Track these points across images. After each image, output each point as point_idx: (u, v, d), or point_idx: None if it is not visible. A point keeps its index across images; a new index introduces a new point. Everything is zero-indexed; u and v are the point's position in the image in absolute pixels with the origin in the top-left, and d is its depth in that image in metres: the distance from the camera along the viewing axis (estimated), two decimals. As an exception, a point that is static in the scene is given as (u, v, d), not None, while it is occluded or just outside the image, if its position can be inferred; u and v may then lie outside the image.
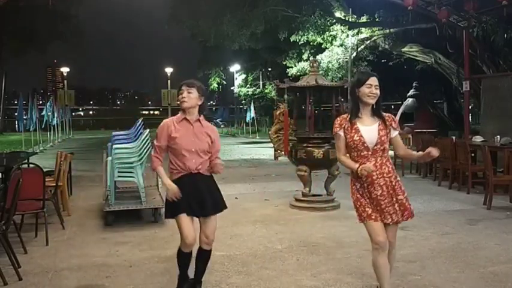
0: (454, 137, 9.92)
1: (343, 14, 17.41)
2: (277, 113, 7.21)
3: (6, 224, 4.26)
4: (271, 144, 7.50)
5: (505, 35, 13.45)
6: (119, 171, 6.11)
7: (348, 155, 3.34)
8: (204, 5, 18.75)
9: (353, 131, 3.27)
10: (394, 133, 3.33)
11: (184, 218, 3.48)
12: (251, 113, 27.10)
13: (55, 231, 5.72)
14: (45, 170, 5.68)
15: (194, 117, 3.58)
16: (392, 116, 3.37)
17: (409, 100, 18.31)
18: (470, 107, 15.14)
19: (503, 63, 14.20)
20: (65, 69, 35.93)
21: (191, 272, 3.67)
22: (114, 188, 6.22)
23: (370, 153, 3.25)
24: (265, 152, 15.48)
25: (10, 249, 4.31)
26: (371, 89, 3.24)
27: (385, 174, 3.26)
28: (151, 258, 4.55)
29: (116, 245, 5.21)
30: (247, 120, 28.22)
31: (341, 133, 3.32)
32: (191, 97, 3.53)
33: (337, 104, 7.09)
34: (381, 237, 3.24)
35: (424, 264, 4.43)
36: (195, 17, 19.70)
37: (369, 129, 3.26)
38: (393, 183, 3.28)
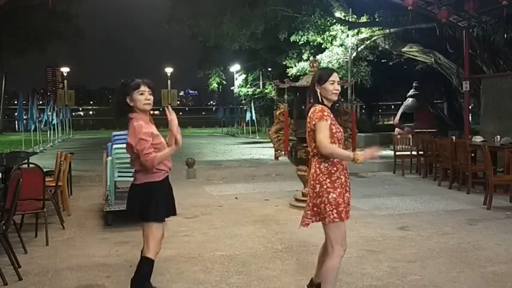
0: (454, 137, 9.91)
1: (343, 14, 17.39)
2: (277, 113, 7.20)
3: (6, 224, 4.26)
4: (271, 144, 7.49)
5: (505, 35, 13.43)
6: (119, 171, 6.12)
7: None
8: (204, 5, 18.74)
9: (334, 123, 3.17)
10: None
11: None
12: (251, 113, 27.07)
13: (55, 231, 5.73)
14: (45, 170, 5.68)
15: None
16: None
17: (409, 100, 18.29)
18: (470, 107, 15.13)
19: (503, 63, 14.19)
20: (65, 69, 35.88)
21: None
22: (114, 188, 6.22)
23: (341, 146, 3.19)
24: (265, 152, 15.45)
25: (10, 249, 4.31)
26: (334, 85, 3.18)
27: (345, 171, 3.20)
28: (151, 258, 4.53)
29: (116, 245, 5.21)
30: (247, 120, 28.18)
31: (329, 121, 3.12)
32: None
33: (337, 104, 7.09)
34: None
35: (424, 264, 4.42)
36: (195, 17, 19.68)
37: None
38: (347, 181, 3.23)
